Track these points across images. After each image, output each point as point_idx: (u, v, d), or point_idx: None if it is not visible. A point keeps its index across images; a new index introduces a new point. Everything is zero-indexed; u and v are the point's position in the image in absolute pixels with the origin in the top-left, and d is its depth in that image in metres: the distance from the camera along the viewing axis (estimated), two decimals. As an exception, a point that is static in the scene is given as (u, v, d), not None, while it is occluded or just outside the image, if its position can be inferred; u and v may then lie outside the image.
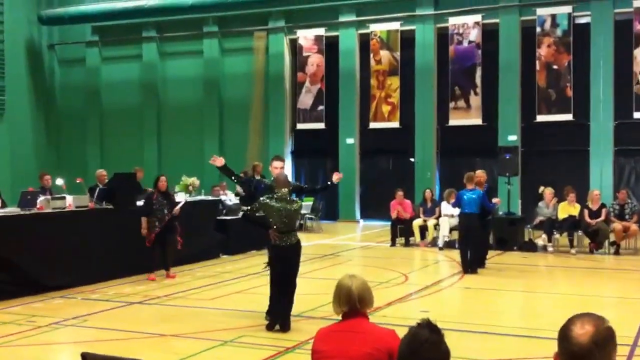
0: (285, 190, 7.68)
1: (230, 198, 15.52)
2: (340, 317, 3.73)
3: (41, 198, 10.66)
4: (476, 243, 11.93)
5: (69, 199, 10.86)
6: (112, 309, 8.92)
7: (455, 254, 13.01)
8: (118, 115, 23.98)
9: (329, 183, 8.78)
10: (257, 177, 17.51)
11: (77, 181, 12.24)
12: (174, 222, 11.19)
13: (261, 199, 7.71)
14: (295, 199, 7.89)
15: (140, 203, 11.41)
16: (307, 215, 18.23)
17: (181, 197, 12.41)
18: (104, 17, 23.17)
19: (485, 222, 12.37)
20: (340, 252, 14.66)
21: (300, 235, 8.01)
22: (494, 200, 12.86)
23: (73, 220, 10.66)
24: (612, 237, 14.05)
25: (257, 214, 7.82)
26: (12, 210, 10.56)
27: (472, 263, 11.71)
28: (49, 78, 24.87)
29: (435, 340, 2.59)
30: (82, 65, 24.50)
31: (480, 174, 12.49)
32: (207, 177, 18.41)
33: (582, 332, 2.21)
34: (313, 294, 8.95)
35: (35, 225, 10.04)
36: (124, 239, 11.12)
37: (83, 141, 24.31)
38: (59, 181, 12.37)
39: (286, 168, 21.07)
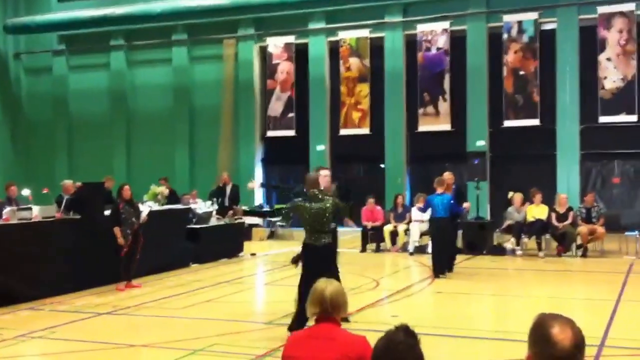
0: (314, 190, 7.78)
1: (200, 206, 15.40)
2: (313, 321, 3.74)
3: (7, 209, 10.57)
4: (448, 246, 12.04)
5: (35, 210, 10.73)
6: (81, 320, 8.81)
7: (426, 259, 13.08)
8: (86, 124, 23.70)
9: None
10: (229, 187, 17.69)
11: (44, 191, 12.10)
12: (139, 232, 11.09)
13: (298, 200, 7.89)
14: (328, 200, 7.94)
15: (107, 213, 11.27)
16: (278, 223, 18.17)
17: (145, 207, 12.29)
18: (71, 26, 22.89)
19: (454, 226, 12.46)
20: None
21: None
22: (464, 204, 12.99)
23: (40, 231, 10.51)
24: (579, 240, 14.25)
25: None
26: (-23, 221, 10.40)
27: (442, 266, 11.78)
28: (15, 87, 24.52)
29: (410, 344, 2.62)
30: (49, 74, 24.19)
31: (448, 176, 12.54)
32: (177, 186, 18.31)
33: (564, 336, 2.25)
34: (284, 301, 8.92)
35: (1, 236, 9.89)
36: (92, 249, 10.96)
37: (51, 151, 23.96)
38: (25, 192, 12.23)
39: (258, 175, 21.26)
